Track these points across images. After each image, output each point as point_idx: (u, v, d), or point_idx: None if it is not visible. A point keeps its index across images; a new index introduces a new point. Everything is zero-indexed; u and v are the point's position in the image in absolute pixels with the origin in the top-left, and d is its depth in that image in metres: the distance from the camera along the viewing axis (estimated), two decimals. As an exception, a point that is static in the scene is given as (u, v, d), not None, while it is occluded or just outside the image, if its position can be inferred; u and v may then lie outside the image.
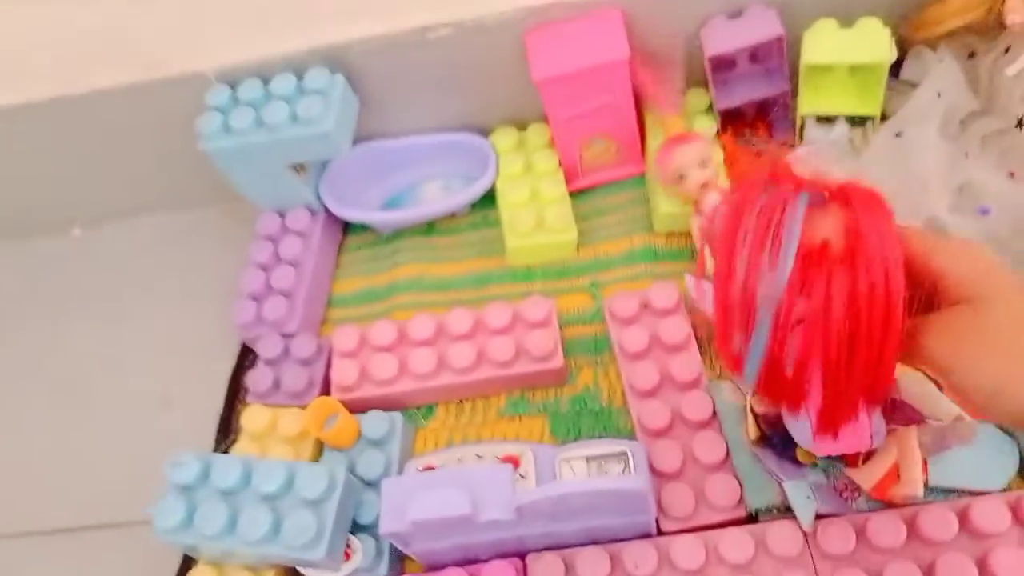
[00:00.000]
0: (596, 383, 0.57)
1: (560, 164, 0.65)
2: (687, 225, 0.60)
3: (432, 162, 0.70)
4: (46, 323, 0.73)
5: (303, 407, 0.56)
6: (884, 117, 0.60)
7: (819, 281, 0.32)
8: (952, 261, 0.33)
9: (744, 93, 0.64)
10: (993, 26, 0.56)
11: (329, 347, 0.60)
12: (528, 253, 0.64)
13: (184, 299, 0.71)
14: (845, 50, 0.58)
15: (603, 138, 0.64)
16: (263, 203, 0.68)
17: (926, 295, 0.34)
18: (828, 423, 0.36)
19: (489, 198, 0.67)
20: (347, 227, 0.71)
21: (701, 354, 0.54)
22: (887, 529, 0.45)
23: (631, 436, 0.53)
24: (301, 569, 0.50)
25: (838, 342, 0.32)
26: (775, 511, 0.48)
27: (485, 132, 0.69)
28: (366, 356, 0.58)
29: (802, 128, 0.62)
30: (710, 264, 0.57)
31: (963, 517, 0.45)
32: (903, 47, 0.60)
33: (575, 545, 0.48)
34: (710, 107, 0.65)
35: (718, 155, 0.62)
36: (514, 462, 0.50)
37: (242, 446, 0.56)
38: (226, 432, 0.61)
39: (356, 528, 0.51)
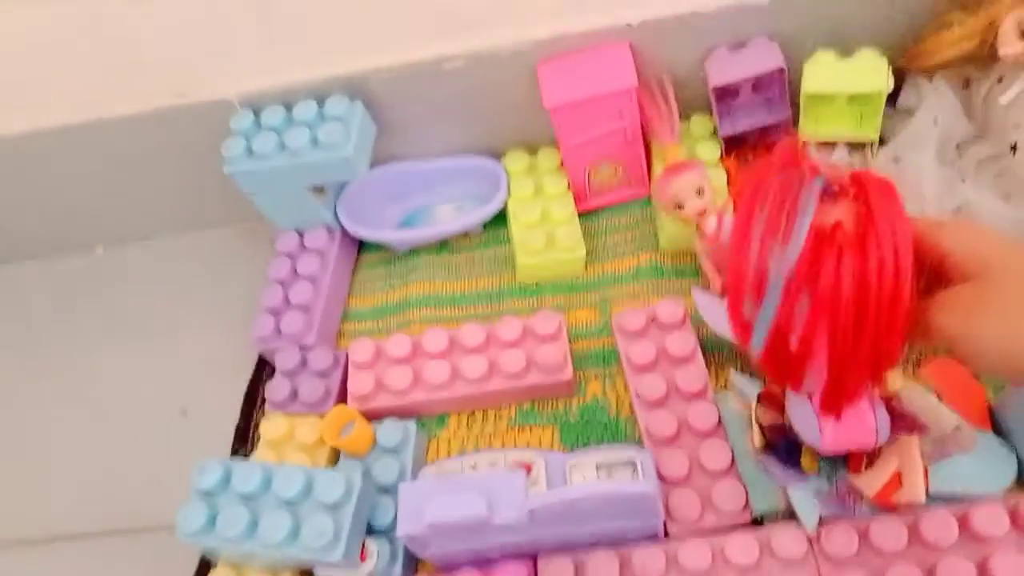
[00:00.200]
0: (604, 394, 0.59)
1: (569, 186, 0.68)
2: (691, 244, 0.62)
3: (446, 184, 0.73)
4: (70, 338, 0.76)
5: (320, 416, 0.58)
6: (882, 142, 0.62)
7: (830, 257, 0.33)
8: (958, 240, 0.35)
9: (747, 120, 0.66)
10: (987, 57, 0.58)
11: (345, 359, 0.62)
12: (538, 271, 0.66)
13: (203, 315, 0.73)
14: (844, 80, 0.60)
15: (610, 162, 0.67)
16: (283, 223, 0.70)
17: (935, 275, 0.36)
18: (833, 400, 0.37)
19: (501, 218, 0.69)
20: (363, 246, 0.73)
21: (707, 366, 0.56)
22: (889, 533, 0.46)
23: (639, 444, 0.54)
24: (318, 571, 0.51)
25: (846, 317, 0.33)
26: (779, 515, 0.49)
27: (497, 156, 0.71)
28: (382, 367, 0.60)
29: (803, 153, 0.65)
30: (715, 282, 0.60)
31: (963, 522, 0.46)
32: (900, 76, 0.63)
33: (585, 547, 0.49)
34: (714, 132, 0.67)
35: (719, 179, 0.64)
36: (526, 469, 0.52)
37: (260, 454, 0.58)
38: (243, 441, 0.63)
39: (371, 531, 0.53)
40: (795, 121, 0.64)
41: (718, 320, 0.56)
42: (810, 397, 0.41)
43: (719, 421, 0.53)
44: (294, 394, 0.61)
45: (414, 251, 0.71)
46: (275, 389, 0.61)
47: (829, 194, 0.35)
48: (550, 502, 0.45)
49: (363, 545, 0.51)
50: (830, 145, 0.64)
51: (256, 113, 0.66)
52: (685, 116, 0.67)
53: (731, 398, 0.53)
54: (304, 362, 0.62)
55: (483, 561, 0.50)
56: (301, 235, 0.70)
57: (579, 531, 0.48)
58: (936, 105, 0.60)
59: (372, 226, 0.70)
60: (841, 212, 0.34)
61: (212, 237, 0.79)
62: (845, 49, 0.61)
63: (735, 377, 0.55)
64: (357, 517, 0.50)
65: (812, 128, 0.63)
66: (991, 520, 0.46)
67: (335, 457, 0.58)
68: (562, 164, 0.68)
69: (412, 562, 0.53)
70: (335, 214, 0.70)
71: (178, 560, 0.57)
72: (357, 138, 0.64)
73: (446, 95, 0.67)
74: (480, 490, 0.45)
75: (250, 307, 0.67)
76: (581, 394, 0.59)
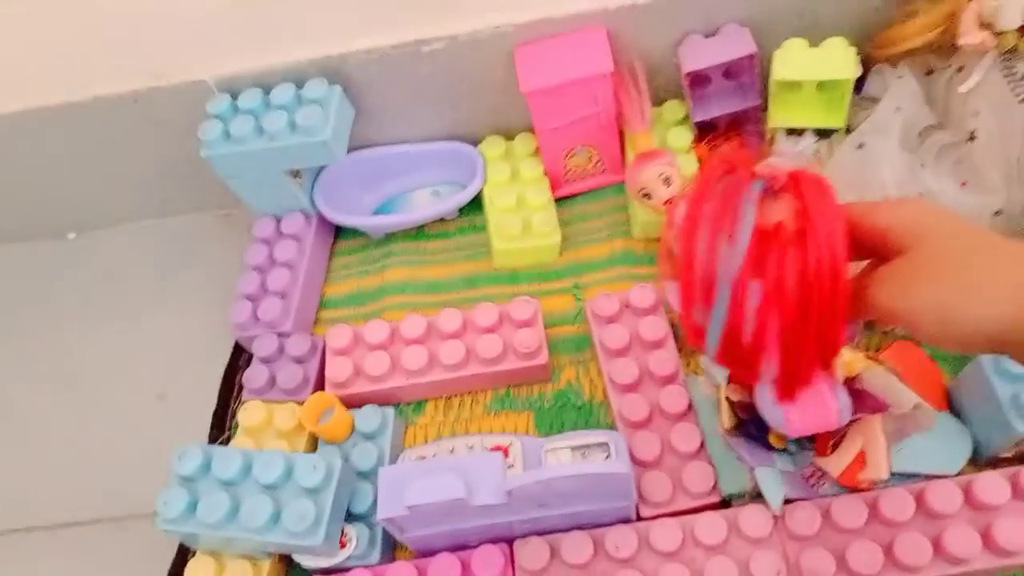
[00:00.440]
0: (579, 379, 0.60)
1: (545, 172, 0.69)
2: (663, 232, 0.63)
3: (423, 169, 0.73)
4: (44, 324, 0.75)
5: (298, 403, 0.58)
6: (849, 130, 0.64)
7: (773, 257, 0.35)
8: (892, 215, 0.36)
9: (719, 107, 0.67)
10: (948, 46, 0.59)
11: (322, 345, 0.63)
12: (514, 256, 0.67)
13: (180, 300, 0.73)
14: (812, 67, 0.62)
15: (586, 147, 0.68)
16: (260, 208, 0.70)
17: (878, 253, 0.37)
18: (787, 388, 0.39)
19: (477, 204, 0.70)
20: (339, 231, 0.74)
21: (678, 351, 0.57)
22: (850, 511, 0.48)
23: (612, 428, 0.56)
24: (297, 557, 0.52)
25: (791, 310, 0.35)
26: (747, 496, 0.51)
27: (474, 141, 0.72)
28: (360, 353, 0.61)
29: (772, 139, 0.66)
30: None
31: (919, 499, 0.48)
32: (866, 65, 0.64)
33: (560, 531, 0.51)
34: (686, 118, 0.68)
35: (691, 165, 0.65)
36: (503, 452, 0.53)
37: (238, 441, 0.59)
38: (220, 428, 0.64)
39: (351, 518, 0.54)
40: (765, 108, 0.66)
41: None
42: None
43: (689, 405, 0.54)
44: (272, 381, 0.61)
45: (390, 237, 0.71)
46: (253, 376, 0.61)
47: (772, 193, 0.36)
48: (527, 482, 0.46)
49: (343, 531, 0.52)
50: (799, 132, 0.65)
51: (233, 96, 0.65)
52: (658, 102, 0.69)
53: (701, 382, 0.55)
54: (281, 349, 0.63)
55: (461, 545, 0.51)
56: (278, 221, 0.70)
57: (554, 513, 0.49)
58: (899, 93, 0.61)
59: (348, 212, 0.70)
60: (783, 210, 0.36)
61: (188, 222, 0.79)
62: (814, 37, 0.62)
63: (705, 361, 0.57)
64: (337, 501, 0.51)
65: (781, 115, 0.65)
66: (945, 497, 0.48)
67: (313, 444, 0.59)
68: (538, 150, 0.69)
69: (390, 548, 0.54)
70: (311, 199, 0.70)
71: (157, 548, 0.57)
72: (335, 122, 0.64)
73: (424, 78, 0.67)
74: (459, 472, 0.46)
75: (227, 293, 0.67)
76: (556, 380, 0.60)
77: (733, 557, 0.48)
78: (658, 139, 0.66)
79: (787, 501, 0.49)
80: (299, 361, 0.62)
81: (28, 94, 0.67)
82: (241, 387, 0.64)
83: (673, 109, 0.69)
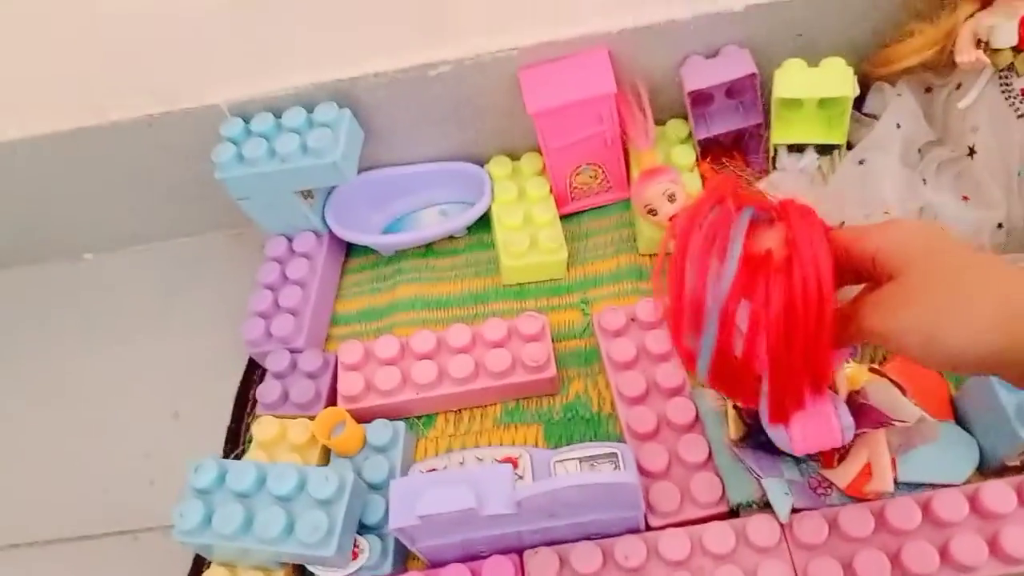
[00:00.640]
0: (587, 392, 0.61)
1: (551, 190, 0.70)
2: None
3: (431, 189, 0.75)
4: (58, 345, 0.77)
5: (311, 417, 0.59)
6: (850, 146, 0.65)
7: (760, 283, 0.36)
8: (882, 238, 0.37)
9: (721, 125, 0.69)
10: (946, 64, 0.61)
11: (334, 361, 0.64)
12: (522, 273, 0.68)
13: (193, 319, 0.75)
14: (812, 86, 0.63)
15: (591, 166, 0.69)
16: (271, 228, 0.72)
17: (871, 278, 0.38)
18: (777, 412, 0.40)
19: (485, 222, 0.71)
20: (350, 249, 0.75)
21: (684, 364, 0.58)
22: (857, 520, 0.49)
23: (620, 440, 0.57)
24: (311, 568, 0.53)
25: (778, 336, 0.36)
26: (754, 506, 0.51)
27: (481, 161, 0.73)
28: (371, 368, 0.62)
29: (774, 156, 0.68)
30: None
31: (926, 508, 0.49)
32: (865, 83, 0.65)
33: (569, 541, 0.51)
34: (689, 136, 0.70)
35: (694, 185, 0.67)
36: (513, 464, 0.54)
37: (252, 455, 0.59)
38: (235, 443, 0.64)
39: (363, 529, 0.54)
40: (767, 125, 0.67)
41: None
42: None
43: (696, 416, 0.55)
44: (285, 396, 0.62)
45: (400, 254, 0.72)
46: (266, 391, 0.62)
47: (764, 221, 0.38)
48: (537, 492, 0.46)
49: (355, 542, 0.53)
50: (800, 148, 0.67)
51: (246, 120, 0.67)
52: (661, 121, 0.70)
53: (708, 394, 0.56)
54: (294, 364, 0.64)
55: (472, 555, 0.52)
56: (290, 240, 0.72)
57: (563, 523, 0.50)
58: (899, 110, 0.62)
59: (359, 230, 0.72)
60: (774, 238, 0.37)
61: (201, 243, 0.80)
62: (813, 57, 0.63)
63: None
64: (350, 513, 0.52)
65: (783, 132, 0.66)
66: (952, 506, 0.48)
67: (326, 457, 0.60)
68: (544, 169, 0.70)
69: (402, 558, 0.55)
70: (323, 219, 0.71)
71: (173, 561, 0.58)
72: (345, 144, 0.65)
73: (431, 101, 0.68)
74: (469, 483, 0.47)
75: (239, 311, 0.68)
76: (564, 393, 0.61)
77: (741, 566, 0.48)
78: (662, 157, 0.68)
79: (795, 510, 0.50)
80: (311, 376, 0.63)
81: (43, 119, 0.69)
82: (255, 402, 0.65)
83: (676, 128, 0.70)
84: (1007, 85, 0.58)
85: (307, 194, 0.70)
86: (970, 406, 0.53)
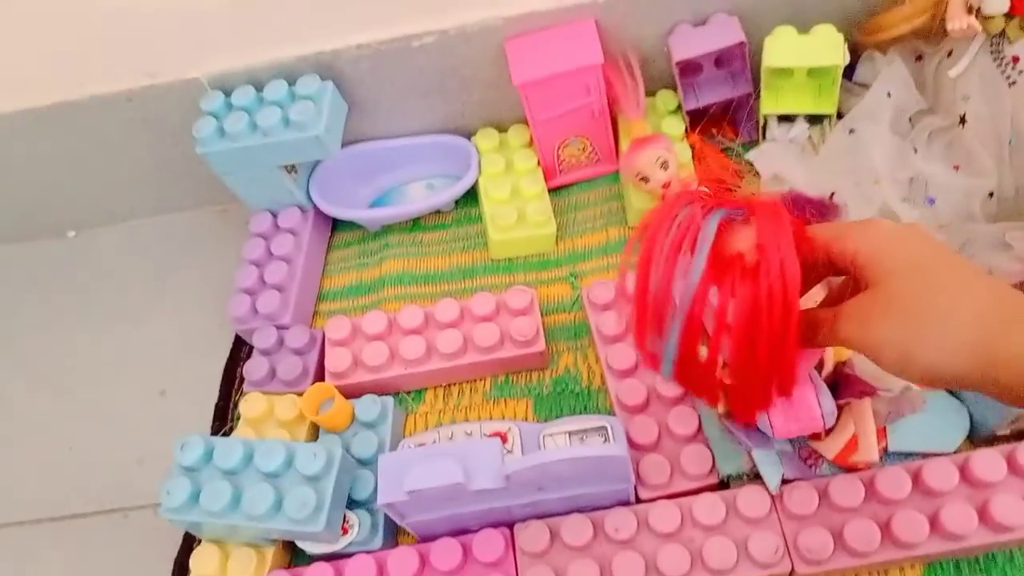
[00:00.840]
0: (576, 366, 0.60)
1: (539, 163, 0.69)
2: (659, 218, 0.64)
3: (417, 162, 0.74)
4: (44, 323, 0.76)
5: (298, 394, 0.59)
6: (840, 116, 0.64)
7: (725, 287, 0.36)
8: (863, 240, 0.36)
9: (710, 95, 0.68)
10: (937, 31, 0.60)
11: (321, 337, 0.63)
12: (510, 247, 0.67)
13: (179, 296, 0.74)
14: (802, 54, 0.62)
15: (579, 138, 0.68)
16: (256, 203, 0.71)
17: (849, 274, 0.38)
18: (743, 410, 0.41)
19: (472, 196, 0.71)
20: (336, 225, 0.74)
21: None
22: (847, 490, 0.49)
23: (610, 413, 0.56)
24: (300, 543, 0.53)
25: (741, 339, 0.36)
26: (744, 477, 0.51)
27: (468, 134, 0.72)
28: (359, 344, 0.61)
29: (764, 126, 0.67)
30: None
31: (916, 477, 0.49)
32: (855, 51, 0.65)
33: (559, 514, 0.51)
34: (678, 107, 0.69)
35: (684, 153, 0.66)
36: (501, 438, 0.54)
37: (240, 432, 0.59)
38: (223, 420, 0.64)
39: (352, 505, 0.54)
40: (756, 95, 0.66)
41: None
42: None
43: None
44: (272, 373, 0.62)
45: (387, 229, 0.72)
46: (253, 368, 0.62)
47: (739, 220, 0.37)
48: (525, 467, 0.46)
49: (344, 518, 0.53)
50: (790, 118, 0.66)
51: (226, 93, 0.66)
52: (651, 92, 0.69)
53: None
54: (281, 341, 0.63)
55: (461, 529, 0.51)
56: (274, 216, 0.71)
57: (553, 497, 0.50)
58: (889, 79, 0.62)
59: (344, 205, 0.71)
60: (746, 239, 0.36)
61: (186, 219, 0.79)
62: (803, 25, 0.63)
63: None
64: (338, 488, 0.52)
65: (773, 102, 0.65)
66: (942, 475, 0.48)
67: (314, 433, 0.59)
68: (532, 141, 0.70)
69: (393, 533, 0.55)
70: (307, 194, 0.70)
71: (163, 538, 0.58)
72: (328, 117, 0.64)
73: (416, 73, 0.67)
74: (457, 458, 0.46)
75: (225, 288, 0.67)
76: (554, 366, 0.61)
77: (732, 537, 0.48)
78: (652, 128, 0.67)
79: (785, 481, 0.50)
80: (299, 353, 0.62)
81: (23, 94, 0.67)
82: (242, 379, 0.64)
83: (666, 98, 0.70)
84: (998, 53, 0.57)
85: (291, 168, 0.69)
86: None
